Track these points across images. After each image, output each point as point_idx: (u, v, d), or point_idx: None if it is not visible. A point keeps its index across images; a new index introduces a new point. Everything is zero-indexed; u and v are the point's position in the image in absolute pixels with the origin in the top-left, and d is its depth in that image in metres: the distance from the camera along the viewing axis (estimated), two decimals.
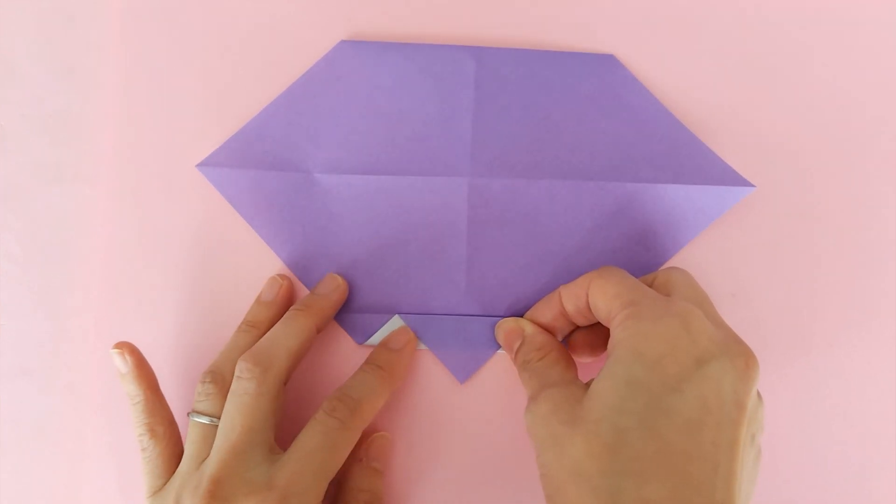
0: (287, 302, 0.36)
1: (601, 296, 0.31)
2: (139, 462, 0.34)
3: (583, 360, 0.36)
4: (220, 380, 0.33)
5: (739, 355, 0.28)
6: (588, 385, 0.30)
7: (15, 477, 0.37)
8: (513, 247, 0.37)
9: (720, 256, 0.37)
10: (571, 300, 0.33)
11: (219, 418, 0.32)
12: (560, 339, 0.35)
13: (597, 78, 0.37)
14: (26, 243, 0.37)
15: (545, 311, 0.35)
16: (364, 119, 0.37)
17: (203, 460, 0.32)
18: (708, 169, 0.36)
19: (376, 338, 0.36)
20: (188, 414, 0.33)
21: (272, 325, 0.35)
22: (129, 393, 0.34)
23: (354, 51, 0.37)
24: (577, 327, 0.35)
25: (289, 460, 0.31)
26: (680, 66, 0.38)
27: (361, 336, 0.37)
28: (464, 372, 0.37)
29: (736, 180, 0.36)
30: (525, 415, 0.31)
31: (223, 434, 0.31)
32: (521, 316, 0.36)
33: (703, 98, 0.38)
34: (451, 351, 0.37)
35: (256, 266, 0.37)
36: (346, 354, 0.37)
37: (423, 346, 0.37)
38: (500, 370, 0.37)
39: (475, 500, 0.37)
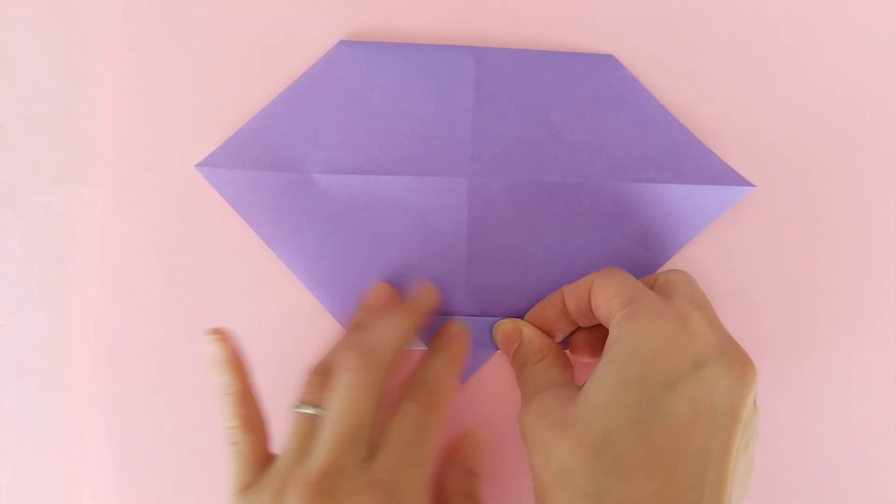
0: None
1: (602, 295, 0.31)
2: (226, 455, 0.32)
3: (583, 360, 0.35)
4: (322, 373, 0.32)
5: (736, 361, 0.28)
6: (581, 386, 0.30)
7: (15, 477, 0.37)
8: (512, 247, 0.37)
9: (720, 256, 0.37)
10: (574, 300, 0.33)
11: (321, 407, 0.31)
12: (560, 339, 0.36)
13: (596, 78, 0.37)
14: (26, 243, 0.37)
15: (547, 310, 0.35)
16: (363, 119, 0.37)
17: (306, 453, 0.30)
18: (708, 168, 0.36)
19: None
20: (291, 406, 0.32)
21: None
22: (222, 383, 0.32)
23: (354, 51, 0.37)
24: (579, 328, 0.35)
25: (386, 452, 0.30)
26: (679, 66, 0.38)
27: None
28: (464, 372, 0.37)
29: (736, 180, 0.36)
30: (518, 418, 0.31)
31: (328, 427, 0.30)
32: (522, 316, 0.36)
33: (702, 98, 0.38)
34: None
35: (256, 266, 0.37)
36: None
37: (422, 347, 0.36)
38: (500, 370, 0.37)
39: None
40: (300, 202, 0.37)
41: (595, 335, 0.35)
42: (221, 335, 0.33)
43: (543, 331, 0.35)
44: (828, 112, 0.38)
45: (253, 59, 0.37)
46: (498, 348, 0.36)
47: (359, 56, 0.37)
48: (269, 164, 0.36)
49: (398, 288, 0.37)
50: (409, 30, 0.37)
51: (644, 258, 0.37)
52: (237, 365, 0.33)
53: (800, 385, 0.37)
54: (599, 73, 0.37)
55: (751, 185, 0.36)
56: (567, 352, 0.36)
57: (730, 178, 0.36)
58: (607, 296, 0.31)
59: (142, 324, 0.37)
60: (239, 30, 0.38)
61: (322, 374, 0.32)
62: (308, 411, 0.31)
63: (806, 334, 0.37)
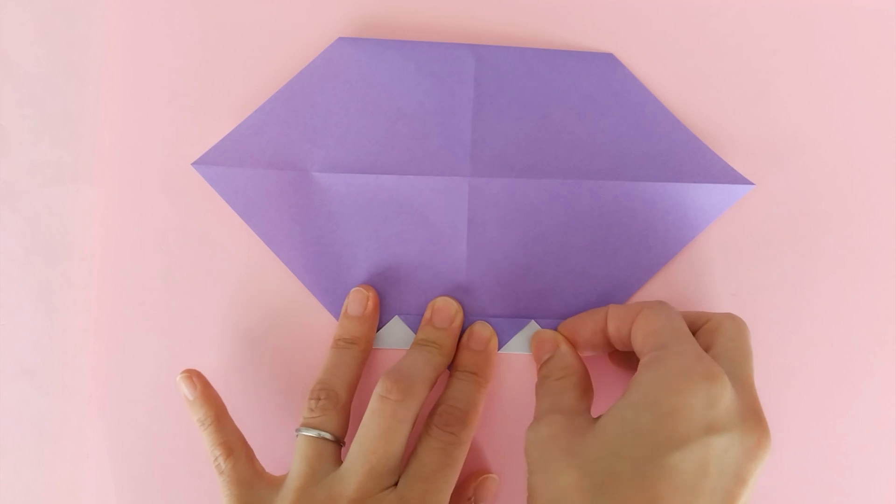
0: (376, 313, 0.36)
1: (642, 328, 0.31)
2: (215, 486, 0.33)
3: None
4: (333, 396, 0.33)
5: (754, 431, 0.28)
6: (595, 420, 0.29)
7: (15, 477, 0.37)
8: (513, 246, 0.37)
9: (720, 256, 0.37)
10: (616, 321, 0.33)
11: (331, 434, 0.32)
12: (590, 354, 0.36)
13: (596, 77, 0.37)
14: (26, 243, 0.37)
15: (587, 324, 0.35)
16: (362, 117, 0.37)
17: (321, 477, 0.31)
18: (707, 167, 0.36)
19: (376, 340, 0.36)
20: (297, 430, 0.33)
21: (368, 340, 0.35)
22: (197, 418, 0.34)
23: (352, 48, 0.37)
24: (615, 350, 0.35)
25: (415, 479, 0.31)
26: (679, 65, 0.38)
27: None
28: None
29: (735, 178, 0.36)
30: (527, 432, 0.31)
31: (361, 454, 0.31)
32: (523, 316, 0.36)
33: (702, 97, 0.37)
34: None
35: (254, 264, 0.37)
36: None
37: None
38: (500, 371, 0.37)
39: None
40: (299, 200, 0.36)
41: (629, 360, 0.35)
42: (190, 375, 0.35)
43: (577, 340, 0.35)
44: (827, 111, 0.38)
45: (251, 56, 0.37)
46: (498, 349, 0.36)
47: (358, 53, 0.37)
48: (268, 162, 0.36)
49: (397, 288, 0.37)
50: (409, 27, 0.37)
51: (644, 257, 0.37)
52: (208, 399, 0.34)
53: (799, 385, 0.37)
54: (599, 71, 0.37)
55: (750, 183, 0.36)
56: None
57: (730, 176, 0.36)
58: (646, 330, 0.31)
59: (141, 323, 0.37)
60: (237, 26, 0.38)
61: (330, 398, 0.33)
62: (313, 435, 0.32)
63: (806, 334, 0.37)
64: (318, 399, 0.33)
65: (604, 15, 0.38)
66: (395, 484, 0.31)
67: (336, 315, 0.37)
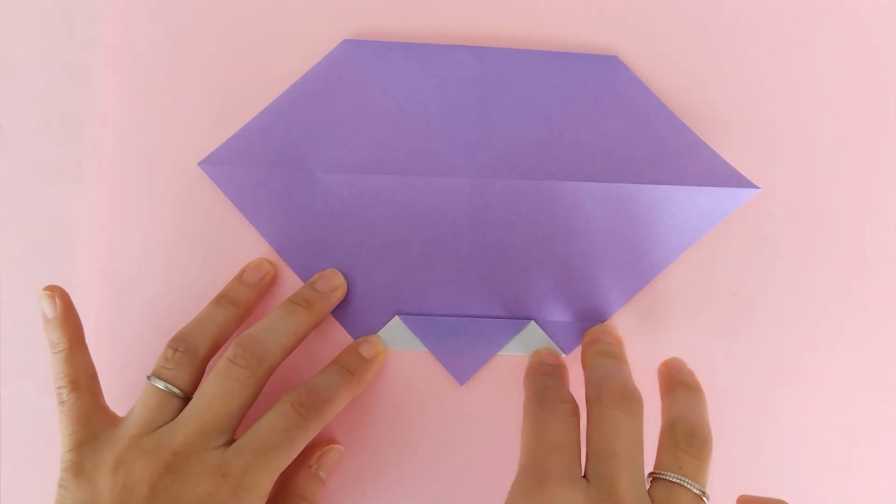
0: (269, 289, 0.36)
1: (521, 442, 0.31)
2: (55, 416, 0.32)
3: None
4: (192, 350, 0.33)
5: None
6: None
7: (15, 477, 0.37)
8: (515, 248, 0.37)
9: (720, 256, 0.37)
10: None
11: (179, 389, 0.32)
12: None
13: (600, 79, 0.37)
14: (26, 243, 0.37)
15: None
16: (367, 118, 0.36)
17: (157, 427, 0.31)
18: (711, 170, 0.36)
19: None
20: (148, 376, 0.32)
21: (250, 307, 0.35)
22: (51, 341, 0.33)
23: (357, 50, 0.37)
24: None
25: (246, 450, 0.30)
26: (683, 67, 0.38)
27: (361, 335, 0.37)
28: (464, 373, 0.37)
29: (740, 182, 0.36)
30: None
31: (196, 410, 0.31)
32: (523, 316, 0.36)
33: (705, 99, 0.37)
34: (450, 352, 0.37)
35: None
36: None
37: (422, 348, 0.37)
38: (501, 372, 0.37)
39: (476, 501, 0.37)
40: (303, 200, 0.36)
41: None
42: (54, 292, 0.33)
43: None
44: (830, 113, 0.38)
45: (256, 57, 0.37)
46: (498, 349, 0.37)
47: (363, 55, 0.37)
48: (272, 162, 0.36)
49: (399, 288, 0.37)
50: (414, 29, 0.37)
51: (647, 260, 0.37)
52: (66, 323, 0.33)
53: (799, 385, 0.37)
54: (603, 73, 0.37)
55: (755, 187, 0.36)
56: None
57: (734, 180, 0.36)
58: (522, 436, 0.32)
59: (142, 323, 0.37)
60: (242, 28, 0.37)
61: (188, 352, 0.32)
62: (162, 387, 0.32)
63: (805, 334, 0.38)
64: (175, 350, 0.33)
65: (608, 17, 0.38)
66: (228, 444, 0.31)
67: (337, 315, 0.37)
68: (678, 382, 0.33)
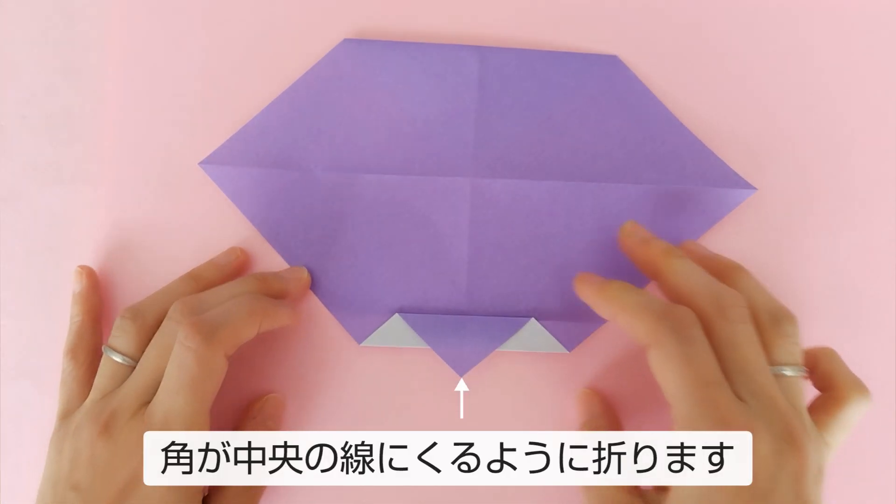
0: (236, 274, 0.37)
1: (660, 380, 0.30)
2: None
3: None
4: (140, 319, 0.33)
5: (793, 457, 0.28)
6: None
7: (15, 477, 0.37)
8: (514, 248, 0.37)
9: None
10: (628, 334, 0.31)
11: (126, 357, 0.32)
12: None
13: (600, 78, 0.37)
14: (26, 243, 0.37)
15: (598, 304, 0.33)
16: (367, 118, 0.37)
17: (110, 395, 0.32)
18: (709, 171, 0.37)
19: (376, 337, 0.36)
20: (102, 346, 0.33)
21: (210, 286, 0.35)
22: (71, 312, 0.36)
23: (357, 49, 0.37)
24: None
25: (158, 403, 0.30)
26: (682, 66, 0.38)
27: (361, 335, 0.37)
28: (463, 366, 0.37)
29: (738, 183, 0.37)
30: None
31: (136, 372, 0.32)
32: (524, 315, 0.36)
33: (704, 99, 0.38)
34: (450, 347, 0.37)
35: (258, 264, 0.37)
36: (346, 353, 0.37)
37: (422, 345, 0.37)
38: (497, 368, 0.37)
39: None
40: (303, 200, 0.37)
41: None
42: (83, 271, 0.36)
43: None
44: (829, 114, 0.38)
45: (256, 56, 0.37)
46: (498, 345, 0.36)
47: (363, 54, 0.37)
48: (273, 162, 0.36)
49: (399, 287, 0.37)
50: (414, 28, 0.37)
51: None
52: (85, 300, 0.36)
53: None
54: (603, 73, 0.37)
55: (752, 188, 0.37)
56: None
57: (732, 181, 0.37)
58: (665, 387, 0.29)
59: None
60: (242, 27, 0.37)
61: (135, 320, 0.33)
62: (115, 358, 0.32)
63: (803, 335, 0.38)
64: (123, 319, 0.33)
65: (608, 17, 0.38)
66: None
67: (337, 315, 0.37)
68: (722, 268, 0.33)
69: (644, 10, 0.38)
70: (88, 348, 0.35)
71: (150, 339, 0.33)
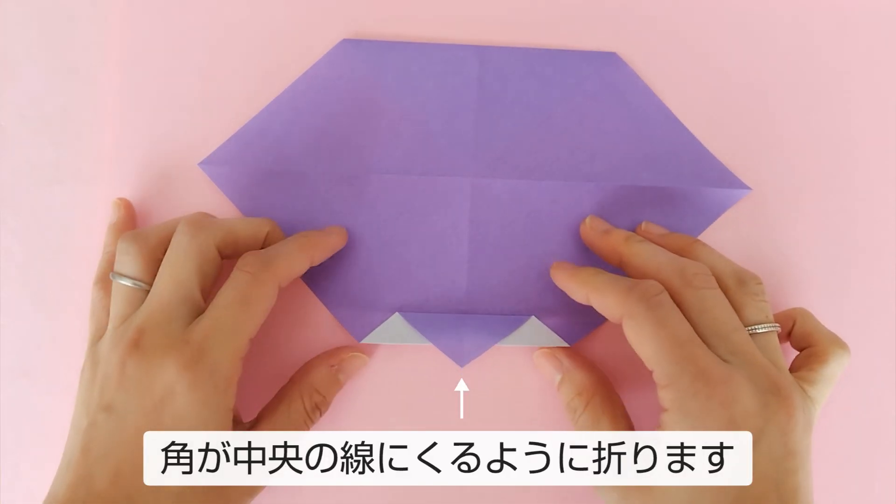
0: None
1: (637, 349, 0.30)
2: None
3: None
4: (140, 240, 0.33)
5: (781, 409, 0.28)
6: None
7: (15, 477, 0.37)
8: (514, 247, 0.37)
9: None
10: (602, 313, 0.32)
11: (134, 279, 0.32)
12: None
13: (599, 76, 0.37)
14: (26, 243, 0.37)
15: (574, 290, 0.34)
16: (366, 118, 0.37)
17: (129, 317, 0.32)
18: (706, 171, 0.37)
19: (375, 335, 0.37)
20: (110, 275, 0.33)
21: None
22: (104, 244, 0.36)
23: (356, 49, 0.37)
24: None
25: (205, 317, 0.30)
26: (680, 66, 0.38)
27: (360, 334, 0.37)
28: (463, 359, 0.37)
29: (733, 183, 0.37)
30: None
31: (154, 289, 0.31)
32: (524, 314, 0.36)
33: (702, 98, 0.38)
34: (450, 343, 0.36)
35: None
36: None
37: (423, 342, 0.36)
38: (498, 363, 0.37)
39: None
40: (303, 200, 0.37)
41: None
42: (121, 203, 0.36)
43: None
44: (824, 114, 0.38)
45: (255, 57, 0.37)
46: (497, 340, 0.36)
47: (362, 55, 0.37)
48: (272, 162, 0.36)
49: (398, 287, 0.37)
50: (412, 29, 0.37)
51: None
52: (120, 231, 0.36)
53: None
54: (602, 70, 0.37)
55: (747, 188, 0.37)
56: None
57: (727, 181, 0.37)
58: (643, 354, 0.30)
59: None
60: (240, 28, 0.37)
61: (129, 240, 0.33)
62: (127, 283, 0.32)
63: None
64: (124, 241, 0.33)
65: (607, 14, 0.38)
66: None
67: (337, 314, 0.37)
68: (681, 244, 0.34)
69: (642, 7, 0.38)
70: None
71: (156, 261, 0.33)
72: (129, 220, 0.36)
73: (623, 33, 0.38)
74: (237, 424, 0.33)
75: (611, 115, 0.37)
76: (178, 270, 0.31)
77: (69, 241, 0.37)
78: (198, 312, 0.31)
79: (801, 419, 0.29)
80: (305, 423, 0.34)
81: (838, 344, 0.33)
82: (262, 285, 0.31)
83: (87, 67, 0.37)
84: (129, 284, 0.32)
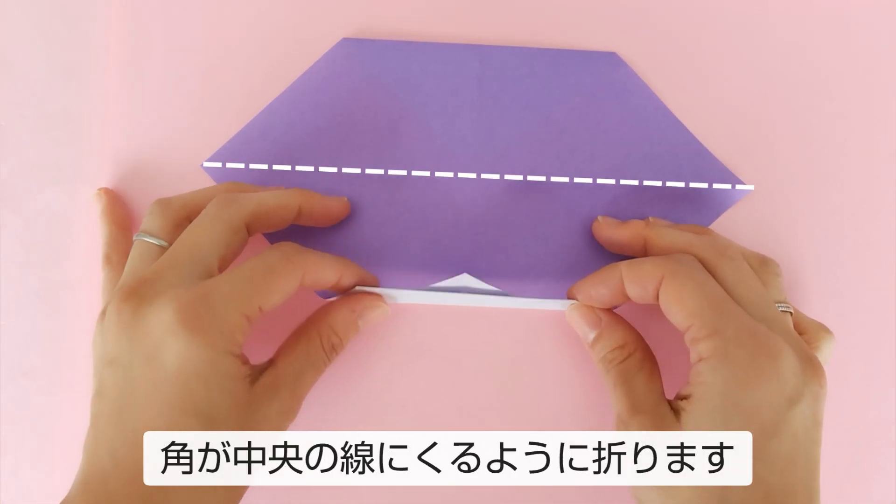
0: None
1: (677, 305, 0.30)
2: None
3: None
4: (165, 203, 0.33)
5: (815, 378, 0.29)
6: (677, 413, 0.30)
7: (15, 477, 0.37)
8: (515, 246, 0.37)
9: None
10: (636, 289, 0.32)
11: (154, 237, 0.32)
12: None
13: (599, 75, 0.37)
14: (26, 243, 0.37)
15: (601, 291, 0.33)
16: (366, 117, 0.37)
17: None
18: (706, 169, 0.37)
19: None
20: (134, 236, 0.33)
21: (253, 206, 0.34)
22: (100, 229, 0.36)
23: (356, 49, 0.37)
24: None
25: (220, 277, 0.30)
26: (679, 65, 0.38)
27: None
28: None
29: (733, 181, 0.37)
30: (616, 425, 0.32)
31: (169, 249, 0.31)
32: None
33: (702, 96, 0.38)
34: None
35: None
36: (346, 353, 0.37)
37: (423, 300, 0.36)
38: (502, 368, 0.37)
39: None
40: None
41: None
42: (102, 192, 0.37)
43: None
44: (824, 112, 0.38)
45: (255, 56, 0.37)
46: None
47: (362, 54, 0.37)
48: (273, 161, 0.36)
49: (398, 286, 0.37)
50: (413, 28, 0.37)
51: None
52: (108, 214, 0.36)
53: None
54: (602, 70, 0.37)
55: (748, 187, 0.37)
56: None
57: (727, 179, 0.37)
58: (684, 309, 0.30)
59: None
60: (241, 28, 0.37)
61: (156, 203, 0.33)
62: (150, 240, 0.32)
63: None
64: (154, 205, 0.33)
65: (607, 14, 0.38)
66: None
67: None
68: (692, 231, 0.35)
69: (642, 7, 0.38)
70: (122, 251, 0.35)
71: (181, 226, 0.32)
72: (117, 203, 0.37)
73: (623, 33, 0.38)
74: (247, 366, 0.31)
75: (611, 114, 0.37)
76: (199, 234, 0.31)
77: (69, 241, 0.37)
78: (209, 276, 0.30)
79: (826, 394, 0.30)
80: (323, 362, 0.33)
81: (826, 330, 0.34)
82: (291, 266, 0.31)
83: (87, 67, 0.37)
84: (151, 241, 0.32)
